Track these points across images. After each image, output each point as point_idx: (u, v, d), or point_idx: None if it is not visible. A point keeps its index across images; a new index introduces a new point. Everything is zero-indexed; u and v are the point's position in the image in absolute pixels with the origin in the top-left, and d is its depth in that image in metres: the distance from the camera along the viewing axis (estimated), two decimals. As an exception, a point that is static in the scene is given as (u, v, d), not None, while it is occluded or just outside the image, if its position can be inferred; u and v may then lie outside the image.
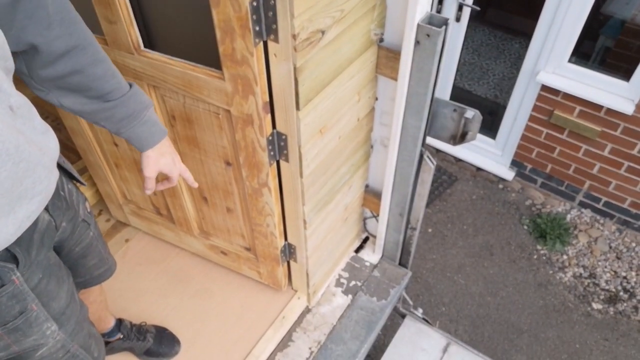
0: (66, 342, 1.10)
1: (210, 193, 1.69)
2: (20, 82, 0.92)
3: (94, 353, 1.23)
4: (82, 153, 1.92)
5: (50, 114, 2.42)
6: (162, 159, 1.16)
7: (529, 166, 3.06)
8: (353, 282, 2.04)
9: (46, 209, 1.01)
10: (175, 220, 1.93)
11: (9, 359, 1.03)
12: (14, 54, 0.88)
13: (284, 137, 1.36)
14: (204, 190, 1.70)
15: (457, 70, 3.05)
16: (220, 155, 1.50)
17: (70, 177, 1.15)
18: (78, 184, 1.19)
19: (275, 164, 1.45)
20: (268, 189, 1.49)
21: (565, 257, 2.83)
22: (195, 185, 1.27)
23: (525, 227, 2.98)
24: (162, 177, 1.22)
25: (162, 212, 1.97)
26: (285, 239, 1.73)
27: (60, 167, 1.07)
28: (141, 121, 1.09)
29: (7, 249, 0.91)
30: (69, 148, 2.14)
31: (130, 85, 1.06)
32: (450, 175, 3.31)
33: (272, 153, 1.40)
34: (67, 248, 1.16)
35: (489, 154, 3.19)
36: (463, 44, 2.90)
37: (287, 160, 1.42)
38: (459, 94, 3.45)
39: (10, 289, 0.92)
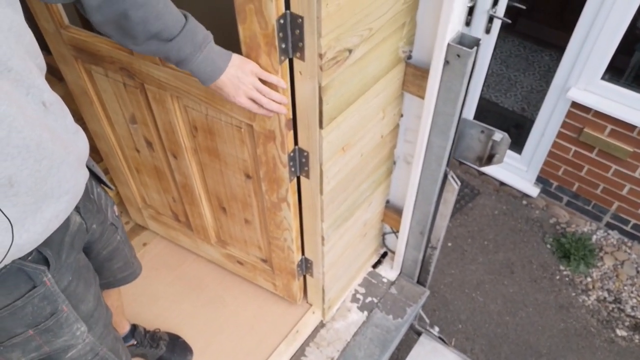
0: (95, 345, 1.12)
1: (229, 204, 1.67)
2: (52, 82, 0.93)
3: (122, 357, 1.24)
4: (104, 156, 1.92)
5: (75, 113, 2.44)
6: (237, 81, 1.08)
7: (555, 183, 2.98)
8: (369, 299, 2.01)
9: (78, 211, 1.03)
10: (193, 228, 1.93)
11: None
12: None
13: (305, 154, 1.33)
14: (223, 201, 1.68)
15: (485, 81, 2.98)
16: (241, 167, 1.48)
17: (99, 180, 1.16)
18: (106, 188, 1.20)
19: (295, 180, 1.43)
20: (287, 204, 1.47)
21: (589, 279, 2.74)
22: (284, 111, 1.17)
23: (549, 246, 2.90)
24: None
25: (180, 219, 1.97)
26: (303, 253, 1.71)
27: (89, 170, 1.08)
28: (203, 53, 1.03)
29: (38, 251, 0.92)
30: (92, 148, 2.15)
31: (186, 19, 1.01)
32: (472, 189, 3.24)
33: (292, 169, 1.38)
34: (95, 250, 1.18)
35: (514, 169, 3.11)
36: (492, 55, 2.84)
37: (307, 176, 1.39)
38: (485, 106, 3.38)
39: (42, 291, 0.94)
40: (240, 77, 1.09)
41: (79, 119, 2.35)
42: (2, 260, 0.82)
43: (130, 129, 1.67)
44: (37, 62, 0.85)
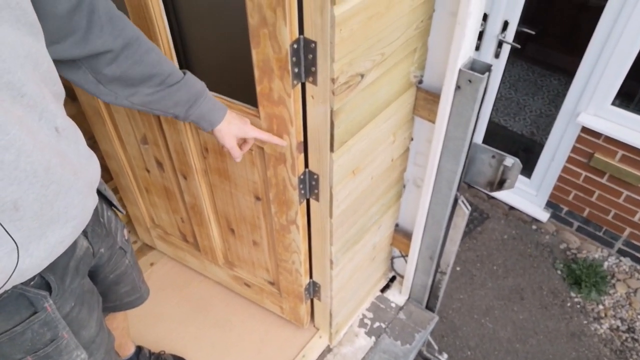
0: None
1: (238, 225, 1.67)
2: (65, 101, 0.94)
3: None
4: (114, 175, 1.93)
5: (86, 132, 2.46)
6: (232, 127, 1.19)
7: (565, 208, 2.95)
8: (377, 324, 1.98)
9: (85, 235, 1.02)
10: (201, 249, 1.92)
11: None
12: (79, 66, 0.95)
13: (315, 176, 1.33)
14: (232, 222, 1.68)
15: (493, 105, 2.99)
16: (251, 189, 1.48)
17: (110, 204, 1.15)
18: (116, 211, 1.20)
19: (305, 203, 1.42)
20: (296, 226, 1.46)
21: (601, 307, 2.69)
22: (284, 143, 1.26)
23: (559, 272, 2.86)
24: (240, 142, 1.26)
25: (188, 240, 1.96)
26: (311, 276, 1.69)
27: (100, 194, 1.08)
28: (206, 98, 1.13)
29: (41, 276, 0.91)
30: (103, 167, 2.16)
31: (184, 72, 1.11)
32: (481, 212, 3.22)
33: (302, 192, 1.37)
34: (102, 274, 1.17)
35: (523, 193, 3.09)
36: (501, 79, 2.85)
37: (317, 199, 1.39)
38: (494, 129, 3.38)
39: (42, 317, 0.92)
40: (238, 118, 1.21)
41: (90, 137, 2.37)
42: (3, 285, 0.81)
43: (141, 149, 1.68)
44: (53, 89, 0.85)
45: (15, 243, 0.79)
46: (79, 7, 0.88)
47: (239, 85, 1.34)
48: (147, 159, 1.71)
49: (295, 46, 1.04)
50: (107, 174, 2.14)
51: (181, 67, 1.35)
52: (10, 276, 0.81)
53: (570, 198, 2.88)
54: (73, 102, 2.02)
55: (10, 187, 0.75)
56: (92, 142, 2.33)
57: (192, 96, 1.10)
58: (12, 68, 0.73)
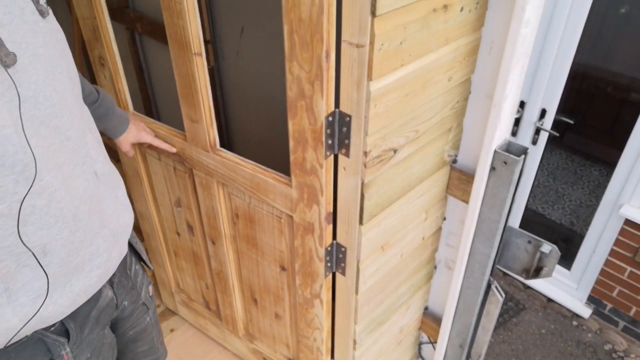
0: None
1: (261, 295, 1.63)
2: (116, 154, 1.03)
3: None
4: (145, 237, 1.96)
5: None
6: (129, 135, 1.40)
7: (609, 305, 2.76)
8: (401, 415, 1.83)
9: (111, 285, 1.01)
10: (223, 318, 1.88)
11: None
12: None
13: (343, 249, 1.31)
14: (255, 292, 1.64)
15: (531, 192, 2.92)
16: (277, 258, 1.46)
17: (139, 258, 1.16)
18: (145, 267, 1.20)
19: (330, 276, 1.39)
20: (320, 301, 1.42)
21: (652, 420, 2.42)
22: (173, 150, 1.48)
23: (604, 375, 2.62)
24: (147, 145, 1.51)
25: (211, 307, 1.93)
26: (332, 356, 1.61)
27: (130, 246, 1.08)
28: (116, 112, 1.32)
29: (61, 322, 0.90)
30: (136, 228, 2.21)
31: (97, 90, 1.26)
32: (517, 303, 3.05)
33: (329, 264, 1.34)
34: (121, 329, 1.15)
35: (563, 285, 2.93)
36: (538, 166, 2.81)
37: (343, 273, 1.35)
38: (532, 217, 3.29)
39: None
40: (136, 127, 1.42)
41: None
42: (24, 326, 0.80)
43: (174, 212, 1.71)
44: (95, 135, 0.90)
45: (48, 278, 0.79)
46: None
47: (273, 154, 1.37)
48: (179, 222, 1.73)
49: (330, 119, 1.07)
50: (139, 235, 2.17)
51: (220, 132, 1.41)
52: (28, 321, 0.80)
53: (614, 294, 2.71)
54: (117, 164, 2.11)
55: (40, 232, 0.76)
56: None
57: (104, 110, 1.26)
58: (59, 112, 0.77)
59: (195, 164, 1.47)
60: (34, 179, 0.73)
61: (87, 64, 2.49)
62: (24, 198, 0.73)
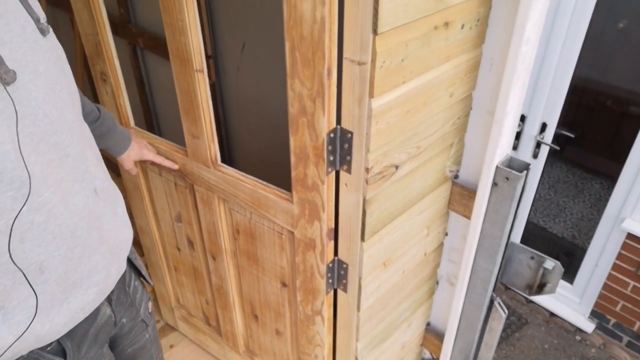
0: None
1: (262, 311, 1.62)
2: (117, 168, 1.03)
3: None
4: (145, 252, 1.95)
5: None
6: (131, 152, 1.40)
7: (613, 320, 2.74)
8: None
9: (109, 302, 1.00)
10: (223, 333, 1.86)
11: None
12: None
13: (344, 265, 1.30)
14: (256, 308, 1.63)
15: (532, 205, 2.92)
16: (278, 275, 1.45)
17: (139, 274, 1.15)
18: (145, 283, 1.19)
19: (332, 293, 1.38)
20: (321, 317, 1.40)
21: None
22: (175, 167, 1.47)
23: (608, 391, 2.59)
24: (150, 162, 1.50)
25: (211, 323, 1.91)
26: (334, 373, 1.59)
27: (130, 262, 1.07)
28: (118, 130, 1.32)
29: (58, 341, 0.88)
30: (136, 243, 2.19)
31: (99, 108, 1.26)
32: (519, 317, 3.02)
33: (330, 281, 1.33)
34: (120, 346, 1.13)
35: (565, 300, 2.91)
36: (539, 180, 2.80)
37: (345, 290, 1.34)
38: (533, 230, 3.28)
39: None
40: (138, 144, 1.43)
41: (127, 213, 2.45)
42: (15, 341, 0.79)
43: (174, 227, 1.70)
44: (95, 152, 0.90)
45: (36, 308, 0.78)
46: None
47: (274, 170, 1.37)
48: (179, 237, 1.72)
49: (332, 135, 1.07)
50: (139, 250, 2.16)
51: (221, 148, 1.41)
52: (20, 336, 0.79)
53: (617, 309, 2.68)
54: (117, 178, 2.11)
55: (38, 249, 0.76)
56: (129, 218, 2.40)
57: (106, 129, 1.26)
58: (59, 129, 0.77)
59: (196, 180, 1.46)
60: (28, 196, 0.72)
61: (89, 80, 2.50)
62: (17, 216, 0.72)
